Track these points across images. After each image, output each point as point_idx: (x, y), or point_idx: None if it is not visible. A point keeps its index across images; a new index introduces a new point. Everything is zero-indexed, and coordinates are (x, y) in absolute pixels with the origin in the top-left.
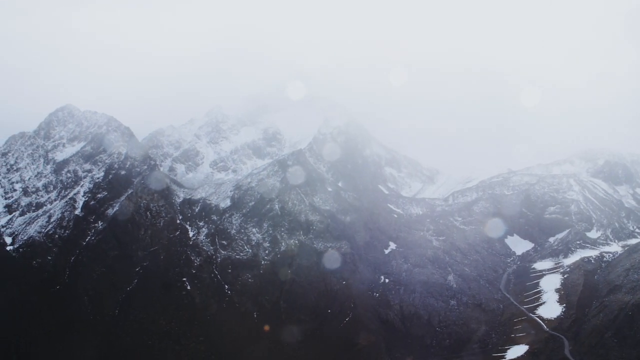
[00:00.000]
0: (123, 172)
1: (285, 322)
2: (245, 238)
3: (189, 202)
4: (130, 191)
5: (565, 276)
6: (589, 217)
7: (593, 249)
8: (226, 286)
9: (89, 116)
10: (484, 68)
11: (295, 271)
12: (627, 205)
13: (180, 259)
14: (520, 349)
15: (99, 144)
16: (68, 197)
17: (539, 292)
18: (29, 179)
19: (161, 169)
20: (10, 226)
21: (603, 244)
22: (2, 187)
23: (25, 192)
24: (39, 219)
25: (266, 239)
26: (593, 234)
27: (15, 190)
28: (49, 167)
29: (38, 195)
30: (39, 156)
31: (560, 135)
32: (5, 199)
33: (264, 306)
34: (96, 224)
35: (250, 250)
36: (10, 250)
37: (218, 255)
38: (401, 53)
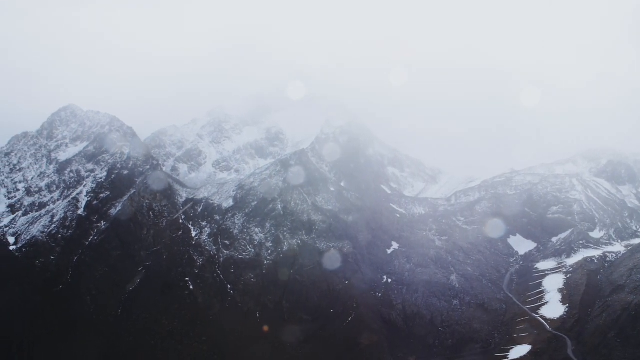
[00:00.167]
0: (126, 172)
1: (288, 322)
2: (247, 238)
3: (191, 202)
4: (132, 191)
5: (568, 276)
6: (592, 217)
7: (596, 248)
8: (229, 286)
9: (91, 116)
10: (486, 68)
11: (297, 271)
12: (630, 205)
13: (182, 258)
14: (523, 349)
15: (102, 144)
16: (71, 197)
17: (542, 292)
18: (32, 178)
19: (164, 168)
20: (13, 226)
21: (606, 244)
22: (5, 187)
23: (28, 192)
24: (42, 219)
25: (269, 238)
26: (596, 234)
27: (18, 190)
28: (51, 167)
29: (41, 195)
30: (42, 156)
31: (563, 135)
32: (9, 198)
33: (267, 306)
34: (99, 224)
35: (253, 250)
36: (13, 250)
37: (221, 255)
38: (403, 53)
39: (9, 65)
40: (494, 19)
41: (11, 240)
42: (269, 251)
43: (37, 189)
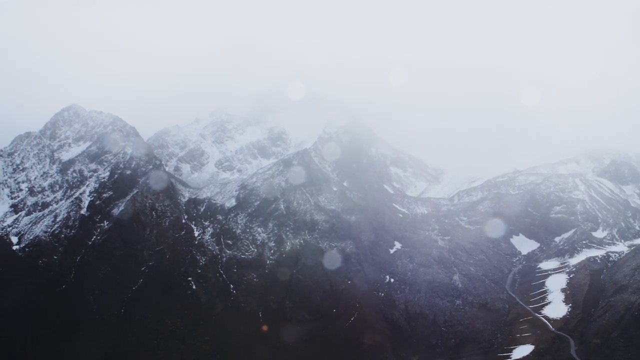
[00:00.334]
0: (128, 172)
1: (290, 321)
2: (250, 238)
3: (194, 202)
4: (135, 191)
5: (571, 276)
6: (595, 216)
7: (599, 248)
8: (231, 286)
9: (94, 116)
10: (488, 67)
11: (300, 271)
12: (633, 204)
13: (185, 258)
14: (526, 349)
15: (105, 144)
16: (74, 196)
17: (545, 292)
18: (35, 178)
19: (166, 168)
20: (16, 226)
21: (609, 244)
22: (8, 186)
23: (31, 191)
24: (44, 219)
25: (271, 238)
26: (599, 234)
27: (21, 190)
28: (54, 166)
29: (44, 195)
30: (45, 156)
31: (565, 134)
32: (12, 198)
33: (269, 306)
34: (102, 224)
35: (256, 250)
36: (16, 249)
37: (223, 254)
38: (404, 52)
39: (12, 66)
40: (495, 18)
41: (14, 240)
42: (272, 251)
43: (40, 189)
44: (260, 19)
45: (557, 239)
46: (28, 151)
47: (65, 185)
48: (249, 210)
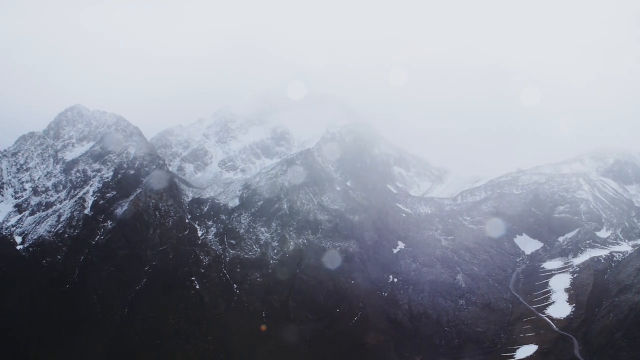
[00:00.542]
0: (132, 172)
1: (294, 321)
2: (253, 237)
3: (197, 202)
4: (139, 190)
5: (575, 276)
6: (598, 216)
7: (603, 248)
8: (235, 285)
9: (98, 116)
10: (492, 66)
11: (303, 270)
12: (637, 204)
13: (189, 258)
14: (530, 349)
15: (108, 144)
16: (77, 196)
17: (548, 291)
18: (39, 178)
19: (170, 168)
20: (20, 225)
21: (613, 244)
22: (12, 186)
23: (35, 191)
24: (48, 219)
25: (275, 238)
26: (603, 234)
27: (25, 189)
28: (58, 166)
29: (48, 195)
30: (49, 156)
31: (569, 134)
32: (15, 198)
33: (273, 305)
34: (105, 224)
35: (259, 250)
36: (20, 249)
37: (227, 254)
38: (407, 52)
39: (15, 66)
40: (495, 17)
41: (18, 239)
42: (275, 251)
43: (43, 189)
44: (262, 19)
45: (560, 239)
46: (32, 151)
47: (68, 185)
48: (252, 210)
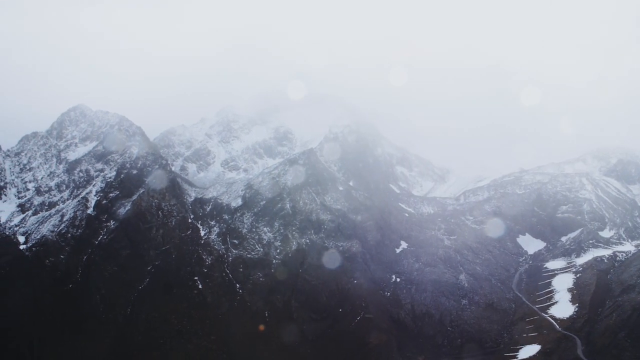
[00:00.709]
0: (134, 172)
1: (297, 321)
2: (256, 237)
3: (200, 202)
4: (141, 190)
5: (578, 275)
6: (601, 216)
7: (606, 248)
8: (237, 285)
9: (100, 116)
10: (492, 66)
11: (306, 270)
12: None
13: (191, 258)
14: (533, 349)
15: (111, 144)
16: (80, 196)
17: (551, 291)
18: (42, 178)
19: (173, 168)
20: (23, 225)
21: (616, 243)
22: (15, 186)
23: (38, 191)
24: (51, 218)
25: (277, 238)
26: (606, 233)
27: (28, 189)
28: (61, 166)
29: (51, 195)
30: (52, 156)
31: (572, 133)
32: (19, 198)
33: (275, 305)
34: (108, 223)
35: (262, 250)
36: (23, 249)
37: (229, 254)
38: (409, 52)
39: (18, 66)
40: (496, 17)
41: (21, 239)
42: (278, 250)
43: (46, 189)
44: (262, 19)
45: (563, 239)
46: (35, 151)
47: (71, 184)
48: (255, 210)
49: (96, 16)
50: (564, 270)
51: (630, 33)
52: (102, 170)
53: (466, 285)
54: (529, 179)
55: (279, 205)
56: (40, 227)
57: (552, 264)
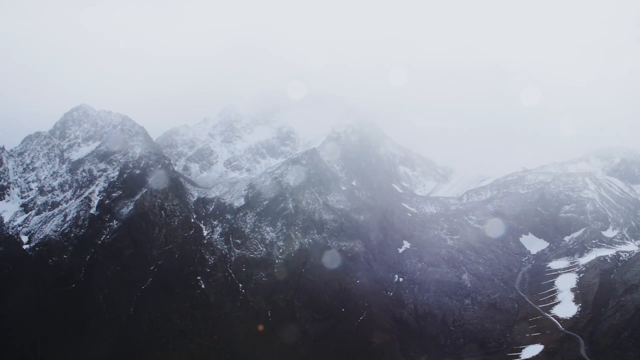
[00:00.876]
0: (137, 172)
1: (299, 320)
2: (259, 237)
3: (203, 201)
4: (144, 190)
5: (581, 275)
6: (604, 215)
7: (609, 248)
8: (240, 285)
9: (103, 116)
10: (492, 67)
11: (309, 270)
12: None
13: (194, 257)
14: (536, 349)
15: (114, 144)
16: (83, 196)
17: (554, 291)
18: (45, 178)
19: (175, 168)
20: (26, 225)
21: (619, 243)
22: (18, 186)
23: (41, 191)
24: (54, 218)
25: (280, 237)
26: (609, 233)
27: (31, 189)
28: (64, 166)
29: (54, 195)
30: (55, 156)
31: (575, 133)
32: (22, 198)
33: (278, 305)
34: (111, 223)
35: (264, 249)
36: (26, 249)
37: (232, 254)
38: (407, 52)
39: (21, 66)
40: (496, 17)
41: (24, 239)
42: (280, 250)
43: (49, 189)
44: (264, 19)
45: (566, 238)
46: (38, 151)
47: (74, 184)
48: (258, 210)
49: (97, 16)
50: (567, 270)
51: (630, 33)
52: (105, 170)
53: (469, 285)
54: (531, 179)
55: (282, 205)
56: (43, 227)
57: (555, 264)
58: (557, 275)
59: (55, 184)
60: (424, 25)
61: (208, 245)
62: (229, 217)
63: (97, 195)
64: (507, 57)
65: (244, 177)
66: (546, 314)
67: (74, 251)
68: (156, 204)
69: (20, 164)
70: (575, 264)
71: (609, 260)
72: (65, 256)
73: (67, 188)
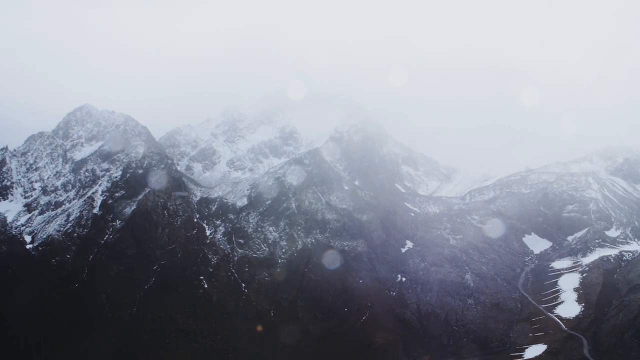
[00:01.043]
0: (140, 171)
1: (302, 320)
2: (262, 237)
3: (205, 201)
4: (147, 190)
5: (584, 275)
6: (608, 215)
7: (612, 247)
8: (243, 285)
9: (106, 116)
10: (492, 67)
11: (311, 270)
12: None
13: (197, 257)
14: (539, 349)
15: (117, 143)
16: (86, 196)
17: (558, 291)
18: (48, 178)
19: (178, 168)
20: (29, 225)
21: (622, 243)
22: (21, 186)
23: (44, 191)
24: (57, 218)
25: (283, 237)
26: (612, 233)
27: (34, 189)
28: (67, 166)
29: (57, 194)
30: (58, 155)
31: (578, 132)
32: (25, 197)
33: (281, 305)
34: (114, 223)
35: (267, 249)
36: (29, 248)
37: (235, 253)
38: (408, 52)
39: (24, 66)
40: (496, 17)
41: (27, 239)
42: (283, 250)
43: (53, 188)
44: (266, 19)
45: (569, 238)
46: (41, 151)
47: (77, 184)
48: (261, 209)
49: (101, 17)
50: (570, 269)
51: (631, 33)
52: (108, 170)
53: (472, 284)
54: (534, 179)
55: (285, 205)
56: (47, 226)
57: (558, 264)
58: (560, 275)
59: (58, 183)
60: (424, 25)
61: (211, 245)
62: (232, 216)
63: (100, 195)
64: (507, 57)
65: (246, 177)
66: (549, 313)
67: (77, 251)
68: (159, 203)
69: (23, 163)
70: (578, 263)
71: (612, 260)
72: (68, 256)
73: (70, 188)
